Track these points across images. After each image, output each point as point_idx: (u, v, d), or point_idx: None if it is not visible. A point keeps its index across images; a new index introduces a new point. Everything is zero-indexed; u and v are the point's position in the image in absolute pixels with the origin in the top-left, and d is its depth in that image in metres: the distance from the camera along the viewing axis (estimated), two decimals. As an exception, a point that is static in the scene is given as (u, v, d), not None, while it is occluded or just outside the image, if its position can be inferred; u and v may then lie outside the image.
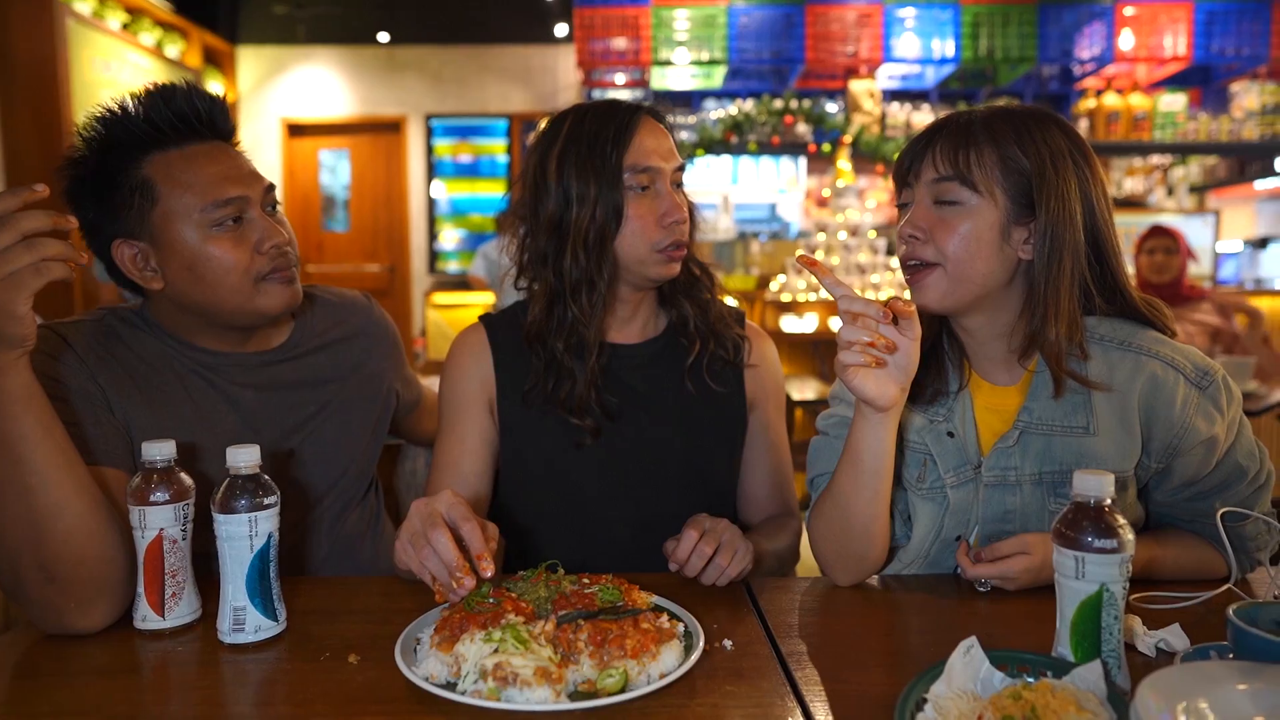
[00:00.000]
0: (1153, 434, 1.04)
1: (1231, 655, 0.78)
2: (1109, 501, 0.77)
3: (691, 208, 1.26)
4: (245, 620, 0.91)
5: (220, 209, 1.08)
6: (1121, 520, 0.76)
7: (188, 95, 1.10)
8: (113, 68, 5.23)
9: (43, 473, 0.89)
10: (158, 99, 1.09)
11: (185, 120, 1.09)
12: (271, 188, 1.16)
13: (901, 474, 1.13)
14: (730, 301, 1.40)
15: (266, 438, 1.17)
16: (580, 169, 1.17)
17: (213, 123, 1.13)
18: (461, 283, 6.53)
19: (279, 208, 1.18)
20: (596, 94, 6.66)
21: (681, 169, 1.24)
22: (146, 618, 0.93)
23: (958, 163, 1.03)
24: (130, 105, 1.09)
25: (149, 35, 5.72)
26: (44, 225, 0.82)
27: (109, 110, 1.09)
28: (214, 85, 6.66)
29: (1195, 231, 5.54)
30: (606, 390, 1.24)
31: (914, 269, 1.06)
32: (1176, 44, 5.52)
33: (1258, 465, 1.06)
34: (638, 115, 1.21)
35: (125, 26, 5.48)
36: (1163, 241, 3.51)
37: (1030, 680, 0.73)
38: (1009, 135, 1.03)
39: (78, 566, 0.91)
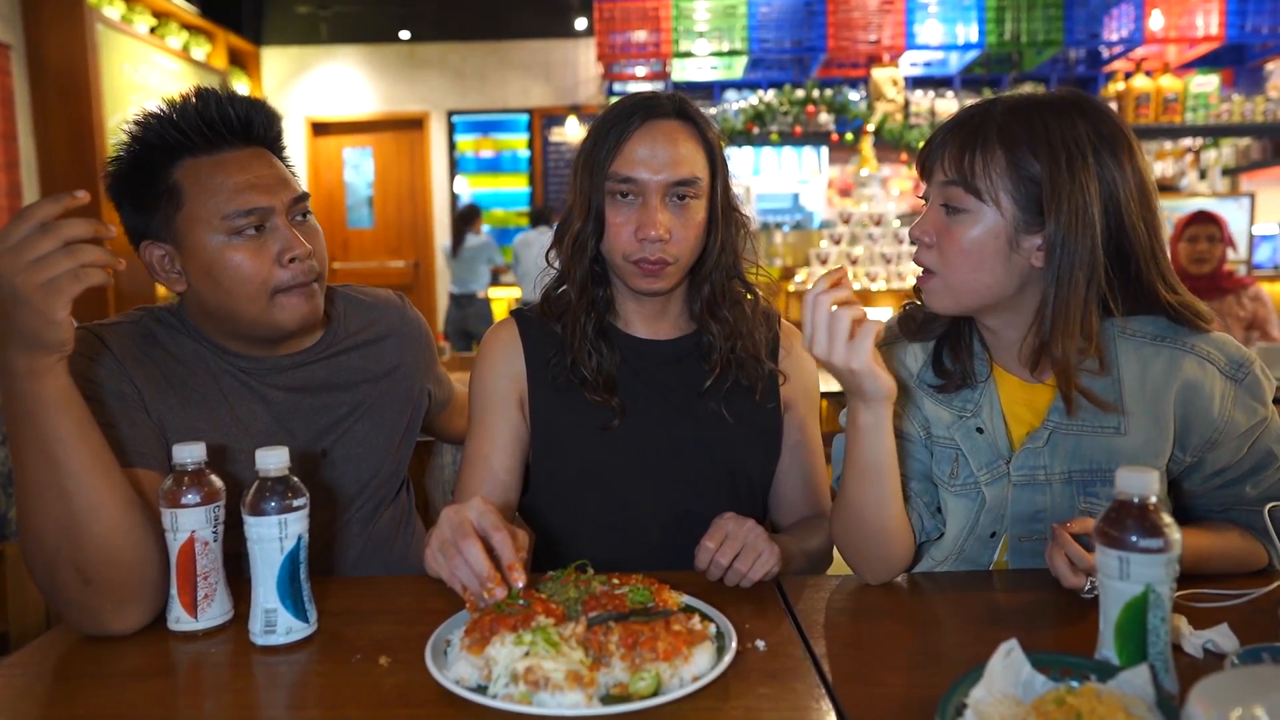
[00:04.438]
0: (1190, 430, 1.02)
1: (1284, 657, 0.75)
2: (1154, 499, 0.74)
3: (719, 227, 1.21)
4: (277, 622, 0.91)
5: (242, 217, 1.08)
6: (1168, 519, 0.74)
7: (221, 102, 1.10)
8: (141, 71, 5.31)
9: (79, 475, 0.90)
10: (190, 105, 1.09)
11: (214, 127, 1.09)
12: (303, 197, 1.15)
13: (933, 471, 1.12)
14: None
15: (299, 439, 1.18)
16: (583, 166, 1.20)
17: (248, 129, 1.12)
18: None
19: (310, 216, 1.17)
20: (617, 87, 6.65)
21: (686, 182, 1.15)
22: (180, 619, 0.94)
23: (963, 167, 0.99)
24: (166, 110, 1.09)
25: (176, 38, 5.79)
26: (84, 232, 0.82)
27: (147, 114, 1.10)
28: (239, 86, 6.74)
29: (1230, 215, 5.39)
30: (632, 380, 1.24)
31: (921, 274, 1.07)
32: (1208, 23, 5.38)
33: None
34: (640, 119, 1.16)
35: (153, 30, 5.55)
36: (1206, 229, 3.22)
37: (1074, 684, 0.71)
38: (1022, 135, 0.97)
39: (113, 568, 0.92)
